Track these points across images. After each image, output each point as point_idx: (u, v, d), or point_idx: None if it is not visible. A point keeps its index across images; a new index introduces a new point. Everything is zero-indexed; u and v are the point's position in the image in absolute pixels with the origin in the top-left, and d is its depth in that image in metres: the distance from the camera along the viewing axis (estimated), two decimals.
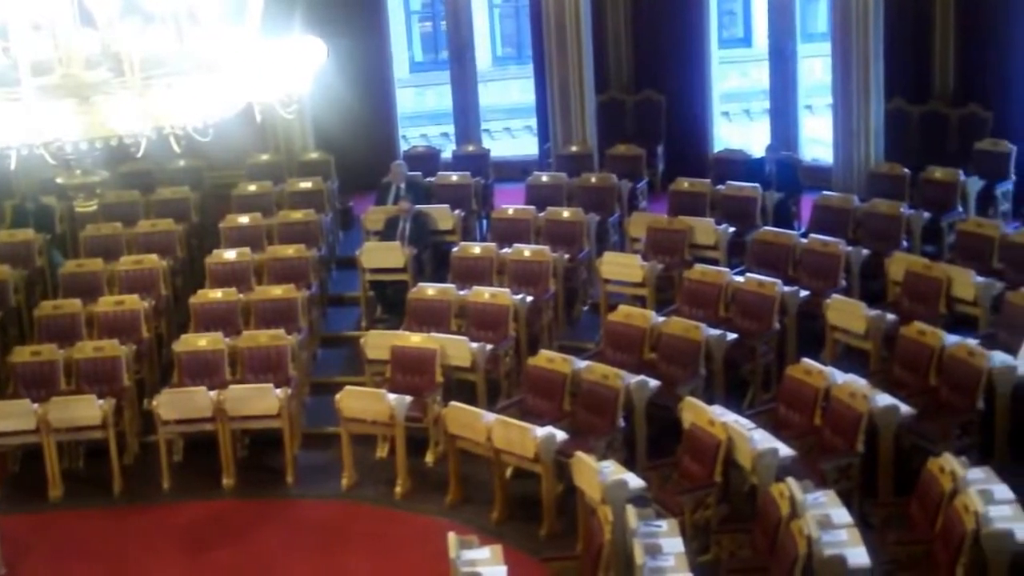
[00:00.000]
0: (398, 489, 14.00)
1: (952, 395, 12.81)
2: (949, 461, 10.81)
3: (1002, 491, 10.62)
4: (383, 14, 21.83)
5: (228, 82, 8.67)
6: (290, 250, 17.23)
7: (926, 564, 10.48)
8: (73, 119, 7.91)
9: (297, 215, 18.23)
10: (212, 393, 14.36)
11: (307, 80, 9.30)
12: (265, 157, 20.23)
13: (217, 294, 16.30)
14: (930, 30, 19.38)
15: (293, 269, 16.96)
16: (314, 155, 20.38)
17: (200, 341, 15.28)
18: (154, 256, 17.31)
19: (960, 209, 17.10)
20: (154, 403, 14.52)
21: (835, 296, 14.65)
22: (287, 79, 9.12)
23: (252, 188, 19.37)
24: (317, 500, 14.27)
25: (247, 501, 14.32)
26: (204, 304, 16.19)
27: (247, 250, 17.29)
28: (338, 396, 14.21)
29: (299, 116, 18.28)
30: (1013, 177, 17.88)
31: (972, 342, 13.12)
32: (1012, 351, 13.02)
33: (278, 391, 14.34)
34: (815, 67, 26.09)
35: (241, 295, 16.31)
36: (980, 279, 14.48)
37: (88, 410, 14.30)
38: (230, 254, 17.26)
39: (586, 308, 17.00)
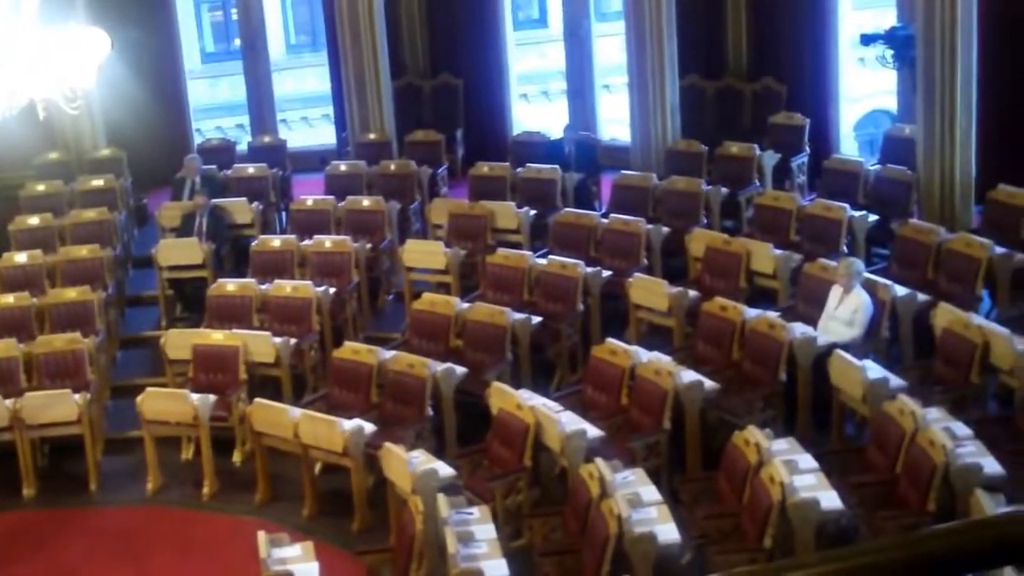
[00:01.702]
0: (205, 490, 13.76)
1: (755, 368, 12.95)
2: (754, 434, 10.91)
3: (806, 460, 10.76)
4: (170, 3, 21.43)
5: (6, 78, 8.40)
6: (84, 251, 16.81)
7: (735, 537, 10.57)
8: None
9: (90, 214, 17.80)
10: (8, 401, 13.94)
11: (92, 74, 9.06)
12: (54, 155, 19.71)
13: (9, 299, 15.82)
14: (722, 5, 19.57)
15: (88, 270, 16.55)
16: (105, 152, 19.94)
17: None
18: None
19: (757, 183, 17.30)
20: None
21: (637, 275, 14.72)
22: (70, 73, 8.88)
23: (41, 188, 18.87)
24: (122, 506, 13.97)
25: (49, 510, 13.94)
26: None
27: (39, 252, 16.83)
28: (139, 398, 13.90)
29: (87, 112, 17.93)
30: (807, 150, 18.12)
31: (772, 315, 13.28)
32: (811, 323, 13.21)
33: (77, 396, 13.98)
34: (612, 46, 26.28)
35: (34, 299, 15.85)
36: (778, 252, 14.65)
37: None
38: (21, 257, 16.78)
39: (390, 298, 16.88)
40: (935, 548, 2.77)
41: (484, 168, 18.22)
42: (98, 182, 18.86)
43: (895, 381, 11.81)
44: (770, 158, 17.60)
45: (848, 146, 19.88)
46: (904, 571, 2.73)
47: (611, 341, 13.30)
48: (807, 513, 10.03)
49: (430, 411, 13.20)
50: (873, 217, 15.41)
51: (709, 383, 12.43)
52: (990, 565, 2.81)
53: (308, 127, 30.46)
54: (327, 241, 16.33)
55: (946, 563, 2.74)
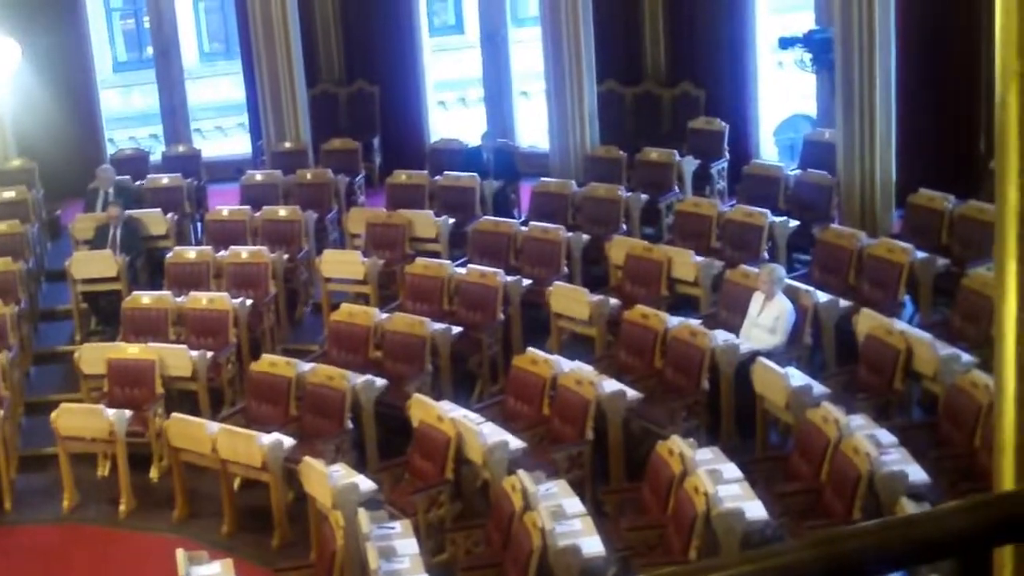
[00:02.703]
0: (122, 508, 13.50)
1: (677, 377, 12.87)
2: (677, 443, 10.85)
3: (730, 470, 10.71)
4: (81, 12, 21.06)
5: None
6: None
7: (660, 548, 10.50)
8: None
9: (1, 227, 17.46)
10: None
11: (1, 83, 8.85)
12: None
13: None
14: (639, 10, 19.53)
15: (0, 284, 16.22)
16: (16, 163, 19.60)
17: None
18: None
19: (677, 189, 17.26)
20: None
21: (557, 283, 14.62)
22: None
23: None
24: (37, 525, 13.68)
25: None
26: None
27: None
28: (54, 414, 13.64)
29: None
30: (727, 155, 18.12)
31: (694, 322, 13.22)
32: (733, 330, 13.15)
33: None
34: (529, 52, 26.19)
35: None
36: (699, 259, 14.61)
37: None
38: None
39: (308, 309, 16.70)
40: (850, 548, 2.74)
41: (402, 176, 18.09)
42: (9, 194, 18.51)
43: (818, 388, 11.79)
44: (690, 164, 17.57)
45: (768, 151, 19.88)
46: (820, 571, 2.70)
47: (532, 351, 13.20)
48: (732, 523, 9.97)
49: (350, 424, 13.04)
50: (794, 222, 15.43)
51: (631, 392, 12.35)
52: (905, 564, 2.80)
53: (223, 136, 30.17)
54: (243, 252, 16.12)
55: (861, 563, 2.73)
